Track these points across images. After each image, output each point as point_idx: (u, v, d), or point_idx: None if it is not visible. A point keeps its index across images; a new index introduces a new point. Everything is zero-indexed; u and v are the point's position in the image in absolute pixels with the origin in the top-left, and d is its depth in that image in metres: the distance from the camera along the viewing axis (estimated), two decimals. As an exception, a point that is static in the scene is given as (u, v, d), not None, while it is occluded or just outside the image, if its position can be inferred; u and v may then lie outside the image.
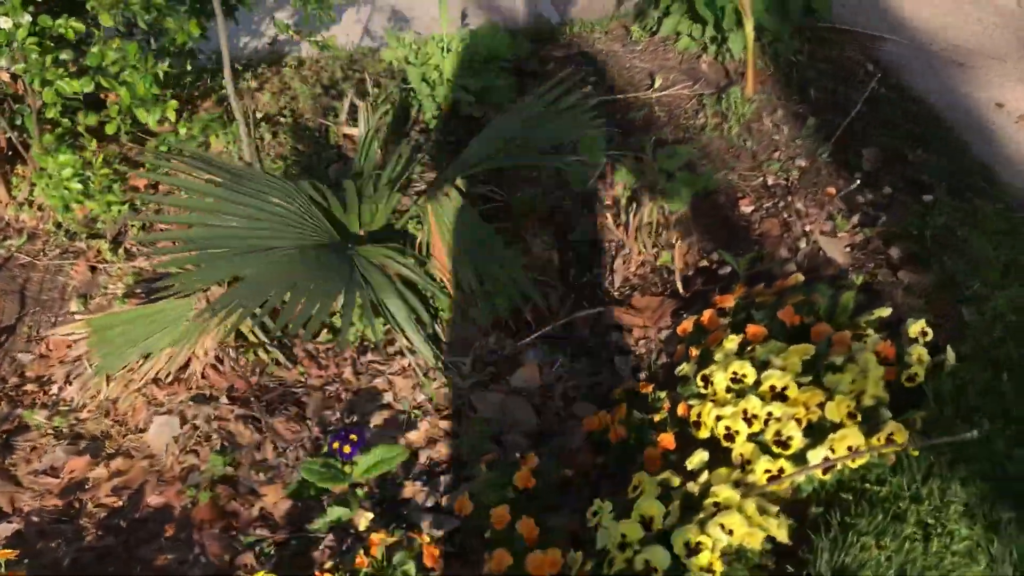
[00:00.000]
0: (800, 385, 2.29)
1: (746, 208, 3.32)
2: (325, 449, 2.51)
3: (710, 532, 2.01)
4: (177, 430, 2.63)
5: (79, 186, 3.21)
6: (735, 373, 2.35)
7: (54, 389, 2.83)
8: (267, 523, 2.44)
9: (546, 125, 2.93)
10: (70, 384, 2.80)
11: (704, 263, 3.13)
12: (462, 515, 2.30)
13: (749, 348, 2.49)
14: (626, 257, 3.17)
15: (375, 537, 2.20)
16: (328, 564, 2.27)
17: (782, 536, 2.05)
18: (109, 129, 3.24)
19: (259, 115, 3.75)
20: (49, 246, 3.38)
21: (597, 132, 3.06)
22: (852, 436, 2.13)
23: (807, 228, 3.18)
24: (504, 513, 2.20)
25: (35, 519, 2.47)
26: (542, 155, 3.04)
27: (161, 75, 3.06)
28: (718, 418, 2.29)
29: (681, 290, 2.98)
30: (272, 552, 2.36)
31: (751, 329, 2.55)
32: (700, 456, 2.23)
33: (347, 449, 2.44)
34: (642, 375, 2.76)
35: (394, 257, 2.83)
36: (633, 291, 3.08)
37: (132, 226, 3.39)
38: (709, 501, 2.09)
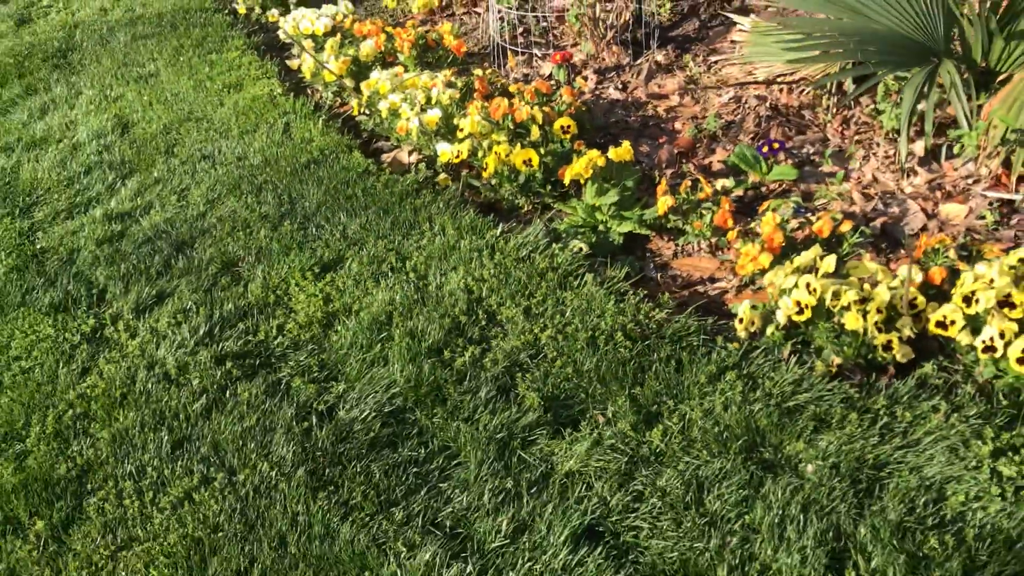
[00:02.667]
0: None
1: None
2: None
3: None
4: (723, 101, 3.68)
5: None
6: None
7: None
8: (711, 172, 3.36)
9: None
10: (725, 52, 4.02)
11: None
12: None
13: None
14: None
15: (683, 187, 3.00)
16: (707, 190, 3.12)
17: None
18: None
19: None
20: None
21: None
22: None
23: None
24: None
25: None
26: None
27: None
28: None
29: None
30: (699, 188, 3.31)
31: None
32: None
33: (765, 149, 3.16)
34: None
35: (957, 83, 3.09)
36: None
37: None
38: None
